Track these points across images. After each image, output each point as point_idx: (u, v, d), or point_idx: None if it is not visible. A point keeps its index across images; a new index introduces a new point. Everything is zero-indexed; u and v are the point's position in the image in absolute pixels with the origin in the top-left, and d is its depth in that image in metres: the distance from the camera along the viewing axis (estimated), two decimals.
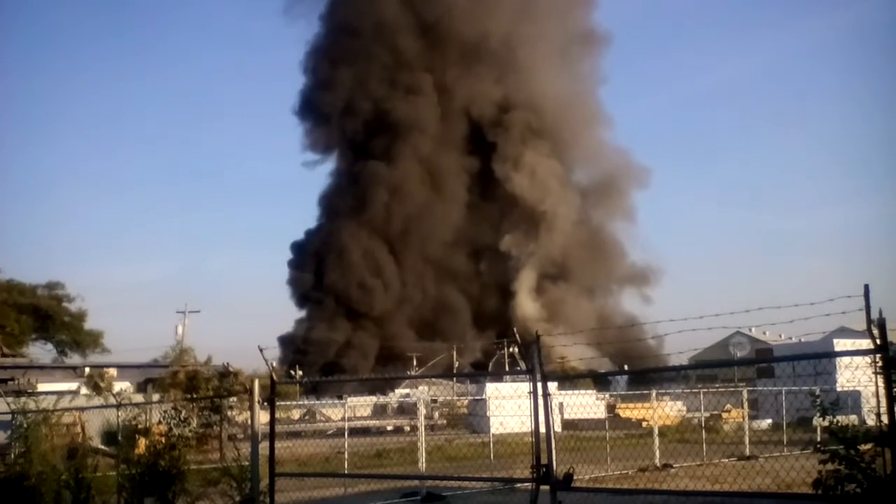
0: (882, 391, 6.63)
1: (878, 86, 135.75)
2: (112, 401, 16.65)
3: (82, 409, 21.37)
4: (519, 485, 15.85)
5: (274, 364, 12.63)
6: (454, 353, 67.65)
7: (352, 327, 74.49)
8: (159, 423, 13.57)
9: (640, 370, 44.18)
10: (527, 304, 77.68)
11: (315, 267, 78.22)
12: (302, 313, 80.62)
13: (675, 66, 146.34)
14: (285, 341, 74.40)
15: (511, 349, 62.93)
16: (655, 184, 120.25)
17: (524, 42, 79.43)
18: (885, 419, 6.57)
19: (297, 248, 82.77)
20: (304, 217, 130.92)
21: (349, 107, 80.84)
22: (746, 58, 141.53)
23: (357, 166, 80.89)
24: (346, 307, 75.47)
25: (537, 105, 79.91)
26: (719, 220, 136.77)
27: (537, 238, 79.67)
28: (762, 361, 53.00)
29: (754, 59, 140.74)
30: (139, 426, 14.78)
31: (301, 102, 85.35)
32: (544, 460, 8.47)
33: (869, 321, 6.40)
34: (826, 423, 7.08)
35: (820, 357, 23.21)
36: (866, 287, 6.31)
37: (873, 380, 6.86)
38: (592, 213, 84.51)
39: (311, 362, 66.97)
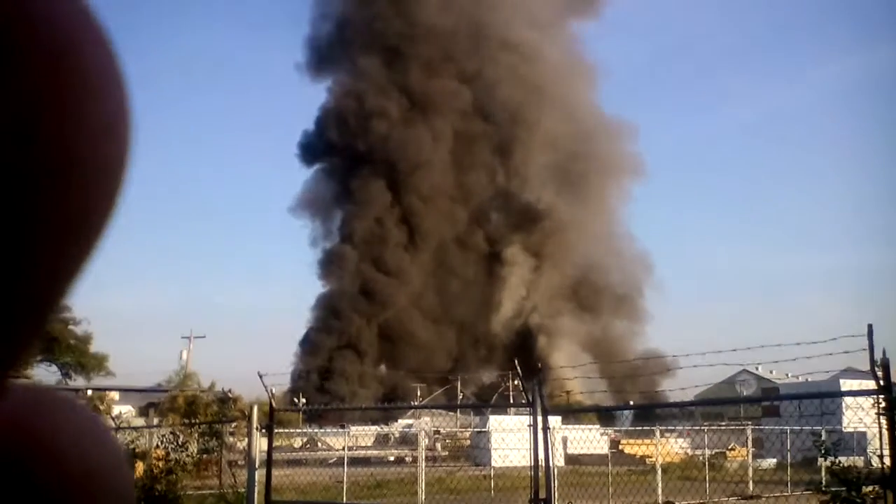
0: (885, 433, 6.55)
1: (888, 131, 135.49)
2: (110, 423, 16.58)
3: None
4: None
5: (274, 391, 12.57)
6: (458, 384, 67.20)
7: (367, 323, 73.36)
8: (157, 447, 13.51)
9: (645, 405, 43.89)
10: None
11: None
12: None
13: (681, 106, 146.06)
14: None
15: (515, 382, 62.34)
16: (653, 221, 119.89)
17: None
18: (887, 461, 6.48)
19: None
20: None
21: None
22: (752, 103, 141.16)
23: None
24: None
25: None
26: (723, 259, 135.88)
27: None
28: (765, 399, 52.55)
29: (757, 104, 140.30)
30: (137, 450, 14.71)
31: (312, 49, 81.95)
32: (543, 494, 8.37)
33: (872, 361, 6.32)
34: (829, 464, 7.02)
35: (822, 397, 22.99)
36: (870, 327, 6.24)
37: (877, 421, 6.76)
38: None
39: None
